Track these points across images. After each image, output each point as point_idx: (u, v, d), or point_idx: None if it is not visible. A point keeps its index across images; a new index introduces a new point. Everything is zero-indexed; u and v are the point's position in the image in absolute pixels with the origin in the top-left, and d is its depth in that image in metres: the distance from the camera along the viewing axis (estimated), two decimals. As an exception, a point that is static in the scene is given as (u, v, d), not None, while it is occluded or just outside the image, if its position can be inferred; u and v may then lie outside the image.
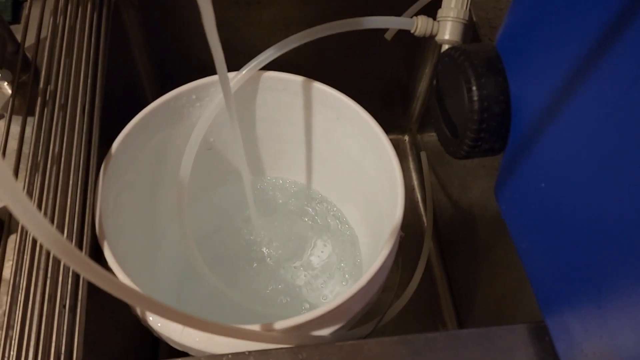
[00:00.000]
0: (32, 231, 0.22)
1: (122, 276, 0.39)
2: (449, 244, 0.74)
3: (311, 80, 0.51)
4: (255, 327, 0.37)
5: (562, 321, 0.34)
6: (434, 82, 0.46)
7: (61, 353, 0.36)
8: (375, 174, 0.51)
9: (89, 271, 0.23)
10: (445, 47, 0.52)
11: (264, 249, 0.62)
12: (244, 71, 0.49)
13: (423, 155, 0.80)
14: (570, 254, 0.32)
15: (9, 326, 0.36)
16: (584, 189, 0.30)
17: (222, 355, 0.38)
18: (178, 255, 0.59)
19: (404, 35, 0.56)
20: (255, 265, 0.61)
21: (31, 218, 0.22)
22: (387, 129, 0.48)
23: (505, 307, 0.56)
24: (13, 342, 0.36)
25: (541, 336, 0.38)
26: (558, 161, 0.33)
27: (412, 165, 0.84)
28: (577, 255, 0.32)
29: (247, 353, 0.38)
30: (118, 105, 0.54)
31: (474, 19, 0.56)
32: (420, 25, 0.52)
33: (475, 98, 0.39)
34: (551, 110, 0.33)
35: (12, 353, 0.35)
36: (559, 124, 0.32)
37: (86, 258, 0.23)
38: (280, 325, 0.38)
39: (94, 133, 0.45)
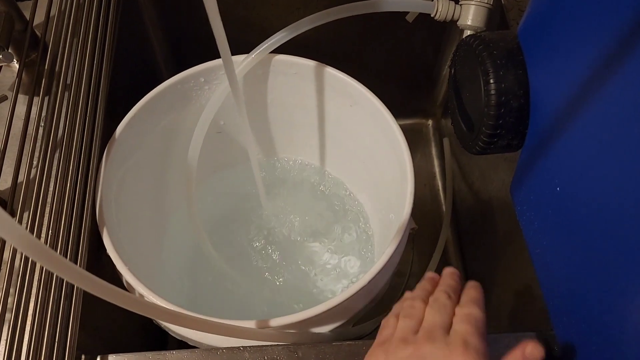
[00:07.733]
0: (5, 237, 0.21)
1: (120, 265, 0.39)
2: (467, 235, 0.72)
3: (324, 65, 0.49)
4: (251, 324, 0.36)
5: (572, 334, 0.32)
6: (451, 70, 0.43)
7: (56, 337, 0.36)
8: (387, 166, 0.49)
9: (59, 268, 0.23)
10: (467, 32, 0.49)
11: (273, 232, 0.61)
12: (254, 54, 0.47)
13: (446, 142, 0.77)
14: (584, 267, 0.30)
15: (6, 309, 0.36)
16: (603, 195, 0.28)
17: (217, 349, 0.37)
18: (186, 240, 0.59)
19: (427, 15, 0.53)
20: (265, 248, 0.60)
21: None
22: (410, 113, 0.45)
23: (521, 301, 0.54)
24: (9, 324, 0.36)
25: (550, 345, 0.36)
26: (576, 164, 0.30)
27: (434, 152, 0.81)
28: (591, 268, 0.29)
29: (242, 348, 0.37)
30: (133, 84, 0.53)
31: (502, 1, 0.52)
32: (440, 9, 0.49)
33: (493, 92, 0.36)
34: (573, 107, 0.31)
35: (7, 335, 0.35)
36: (579, 123, 0.30)
37: (55, 254, 0.23)
38: (276, 322, 0.37)
39: (98, 116, 0.44)
